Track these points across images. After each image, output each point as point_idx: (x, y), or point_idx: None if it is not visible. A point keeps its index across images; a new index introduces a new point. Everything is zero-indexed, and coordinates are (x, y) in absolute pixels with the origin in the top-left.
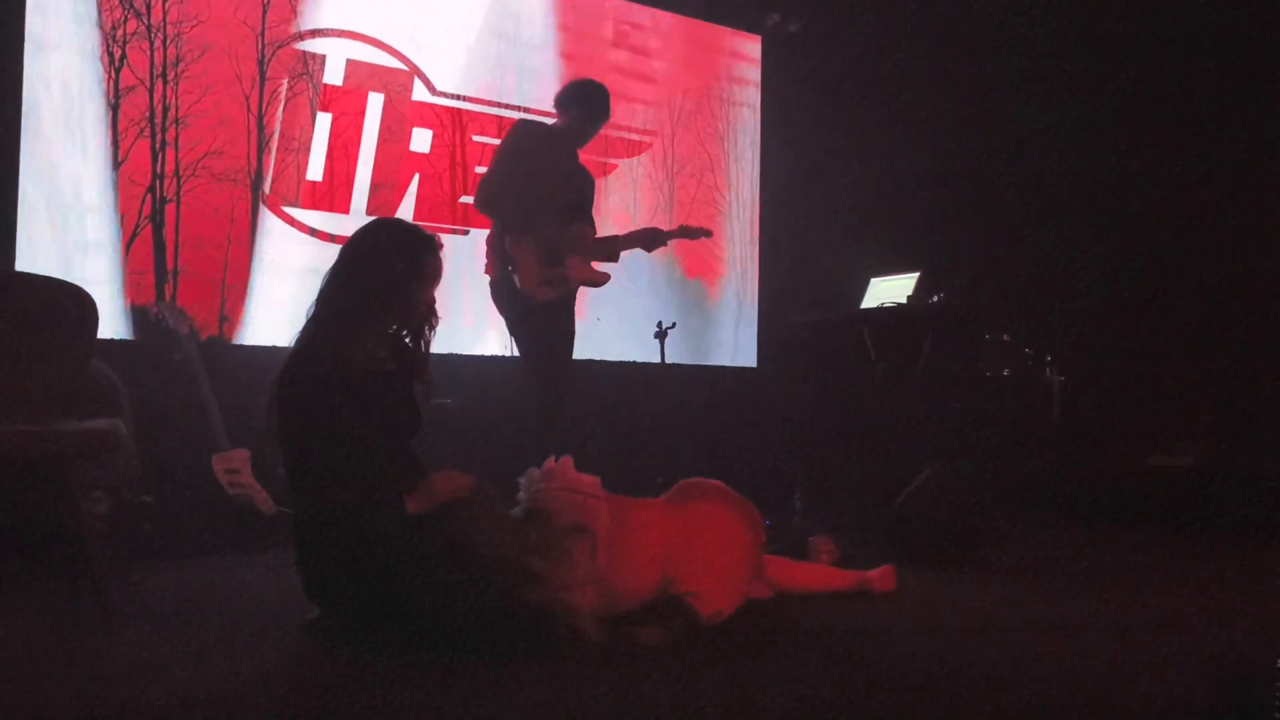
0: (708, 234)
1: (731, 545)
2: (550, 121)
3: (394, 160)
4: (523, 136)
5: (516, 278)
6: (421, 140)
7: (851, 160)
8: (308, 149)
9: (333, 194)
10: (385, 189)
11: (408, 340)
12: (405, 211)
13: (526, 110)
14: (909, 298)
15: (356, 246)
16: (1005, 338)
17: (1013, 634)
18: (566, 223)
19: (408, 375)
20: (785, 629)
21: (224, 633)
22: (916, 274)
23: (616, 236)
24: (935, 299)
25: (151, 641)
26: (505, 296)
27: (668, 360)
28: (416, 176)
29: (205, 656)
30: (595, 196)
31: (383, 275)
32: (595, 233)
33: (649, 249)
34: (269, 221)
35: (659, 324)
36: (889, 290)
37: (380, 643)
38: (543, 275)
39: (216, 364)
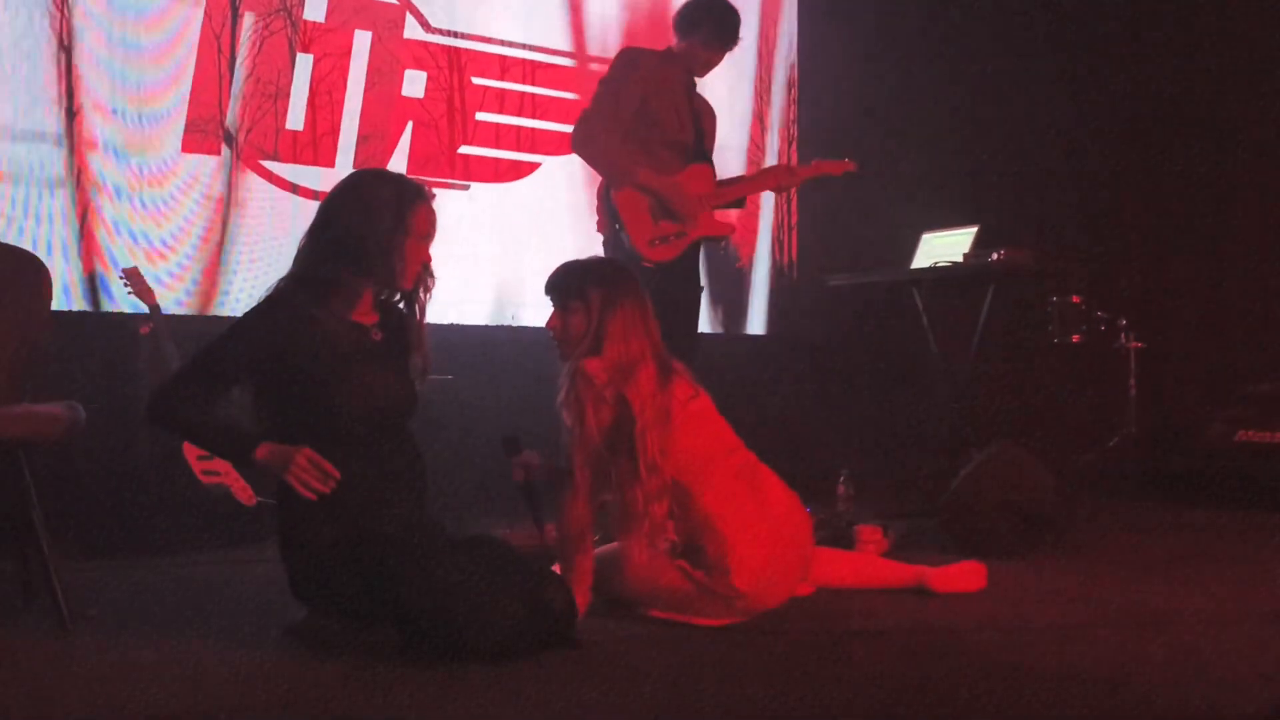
0: (851, 169)
1: (783, 526)
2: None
3: (384, 107)
4: (630, 64)
5: (625, 236)
6: (415, 84)
7: (900, 101)
8: (287, 95)
9: (315, 145)
10: (375, 139)
11: (400, 306)
12: (398, 163)
13: (533, 49)
14: (966, 255)
15: (334, 200)
16: (1075, 300)
17: (1061, 632)
18: (682, 165)
19: (401, 346)
20: (786, 627)
21: (214, 636)
22: (974, 228)
23: (742, 177)
24: (996, 256)
25: (138, 645)
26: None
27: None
28: (410, 125)
29: (196, 660)
30: (715, 132)
31: (364, 230)
32: (716, 174)
33: (779, 190)
34: (244, 177)
35: None
36: (943, 247)
37: (378, 647)
38: (657, 231)
39: (187, 338)
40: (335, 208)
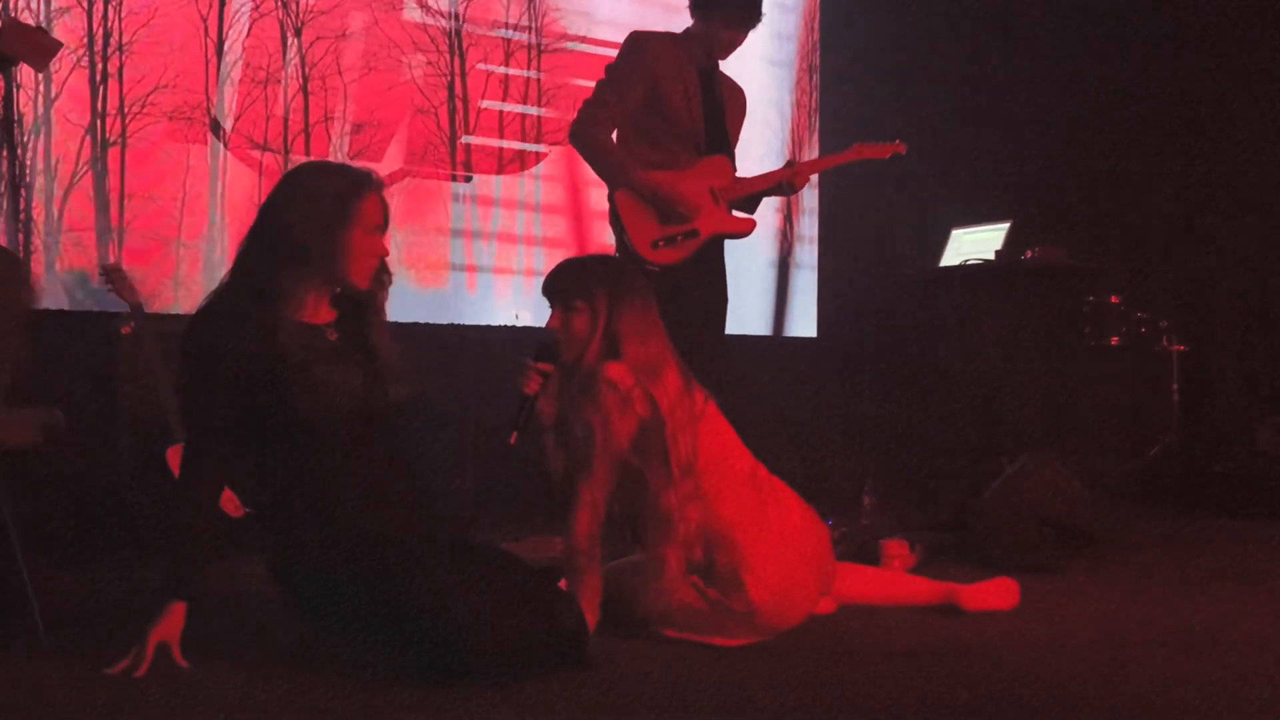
0: (900, 150)
1: (800, 538)
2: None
3: (381, 93)
4: (637, 50)
5: (626, 237)
6: (413, 69)
7: (929, 90)
8: (278, 80)
9: (308, 134)
10: (370, 128)
11: (368, 301)
12: (395, 154)
13: (539, 31)
14: (997, 253)
15: (274, 194)
16: (1113, 300)
17: (1095, 653)
18: (695, 158)
19: (358, 348)
20: (804, 644)
21: (203, 647)
22: (1007, 224)
23: (754, 178)
24: (1029, 254)
25: (122, 655)
26: None
27: None
28: (408, 113)
29: (181, 669)
30: (741, 119)
31: (304, 225)
32: (734, 167)
33: (780, 193)
34: (232, 168)
35: None
36: (973, 244)
37: (381, 663)
38: (663, 232)
39: (170, 340)
40: (274, 202)
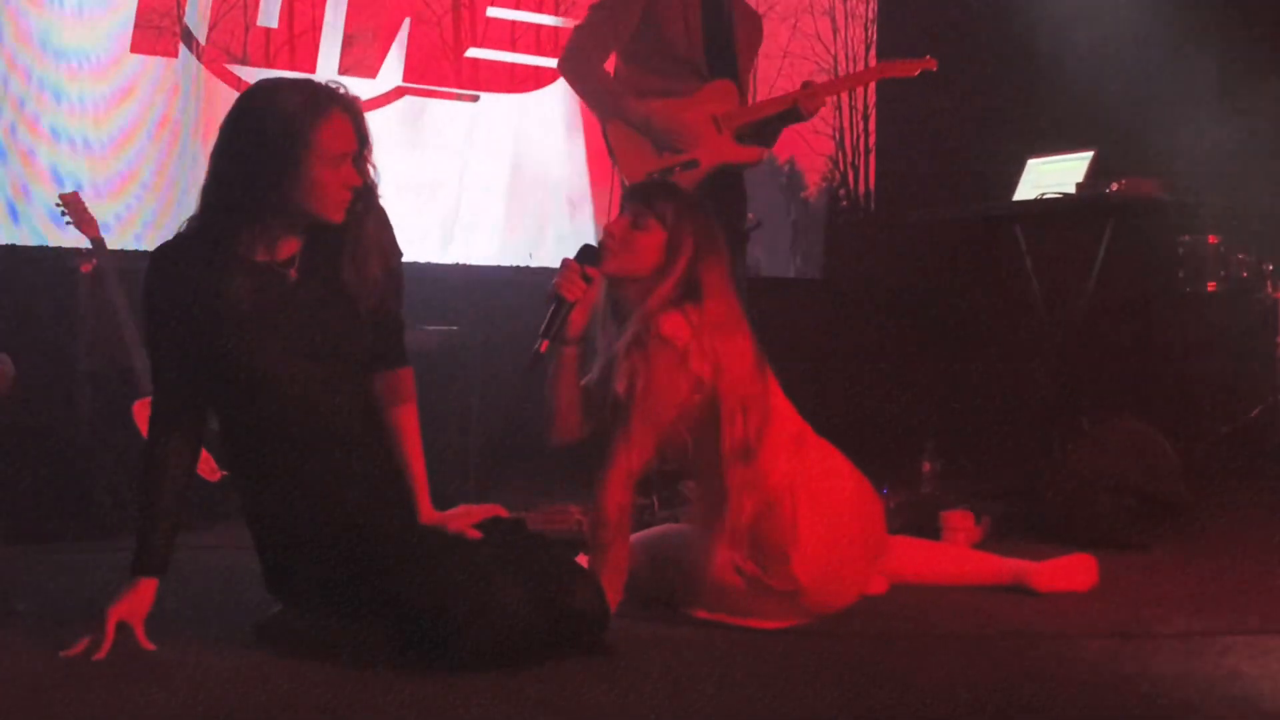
0: (930, 66)
1: (852, 509)
2: None
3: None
4: None
5: (618, 170)
6: None
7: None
8: None
9: (292, 46)
10: (364, 39)
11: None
12: (392, 69)
13: None
14: (1079, 185)
15: (229, 117)
16: (1211, 240)
17: (1186, 640)
18: (697, 84)
19: (327, 285)
20: (852, 629)
21: (177, 633)
22: (1089, 153)
23: (777, 99)
24: (1115, 187)
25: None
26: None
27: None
28: (407, 22)
29: (156, 660)
30: (754, 42)
31: (256, 155)
32: (741, 93)
33: (794, 119)
34: (207, 85)
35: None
36: (1052, 176)
37: (365, 650)
38: (659, 163)
39: (136, 279)
40: (225, 128)
